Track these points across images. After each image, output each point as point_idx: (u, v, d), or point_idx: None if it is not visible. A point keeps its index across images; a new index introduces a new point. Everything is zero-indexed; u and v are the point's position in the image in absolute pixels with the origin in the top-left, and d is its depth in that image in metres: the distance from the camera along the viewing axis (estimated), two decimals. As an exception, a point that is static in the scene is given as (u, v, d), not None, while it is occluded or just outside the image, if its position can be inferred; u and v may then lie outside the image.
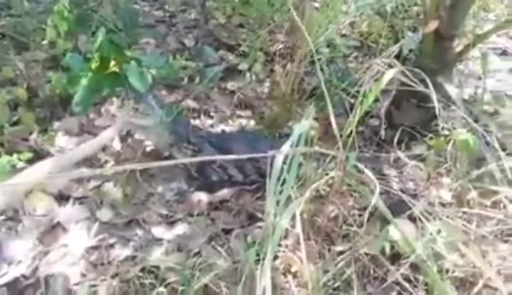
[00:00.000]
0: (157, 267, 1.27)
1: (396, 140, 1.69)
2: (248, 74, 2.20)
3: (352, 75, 2.08)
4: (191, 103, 2.04)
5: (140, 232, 1.45)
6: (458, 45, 1.94)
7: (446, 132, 1.71)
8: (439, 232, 1.17)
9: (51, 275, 1.29)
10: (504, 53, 2.65)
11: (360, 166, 1.18)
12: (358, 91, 1.26)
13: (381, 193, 1.29)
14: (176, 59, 2.20)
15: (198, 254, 1.35)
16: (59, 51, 1.94)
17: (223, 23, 2.61)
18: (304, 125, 1.20)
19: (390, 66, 1.28)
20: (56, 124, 1.85)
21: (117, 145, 1.81)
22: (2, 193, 0.97)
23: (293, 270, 1.24)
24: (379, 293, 1.24)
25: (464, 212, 1.32)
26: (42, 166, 1.26)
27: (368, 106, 1.76)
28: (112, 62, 1.68)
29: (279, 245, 1.26)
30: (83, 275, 1.30)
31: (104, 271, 1.29)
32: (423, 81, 1.42)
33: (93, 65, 1.67)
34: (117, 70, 1.68)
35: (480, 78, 2.15)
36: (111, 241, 1.41)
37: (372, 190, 1.17)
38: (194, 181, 1.65)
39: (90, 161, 1.73)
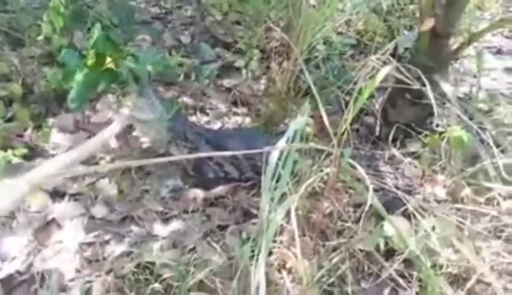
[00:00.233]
0: (152, 263, 1.27)
1: (391, 137, 1.70)
2: (244, 71, 2.19)
3: (349, 72, 2.09)
4: (186, 100, 2.04)
5: (135, 228, 1.45)
6: (453, 44, 1.95)
7: (441, 129, 1.72)
8: (433, 228, 1.18)
9: (46, 271, 1.29)
10: (499, 51, 2.66)
11: (354, 163, 1.18)
12: (353, 89, 1.27)
13: (376, 190, 1.31)
14: (172, 56, 2.19)
15: (193, 250, 1.35)
16: (54, 48, 1.93)
17: (219, 20, 2.60)
18: (299, 121, 1.20)
19: (385, 64, 1.29)
20: (51, 120, 1.85)
21: (112, 142, 1.81)
22: (12, 192, 0.96)
23: (288, 266, 1.24)
24: (373, 289, 1.24)
25: (458, 209, 1.33)
26: (51, 164, 1.23)
27: (364, 104, 1.77)
28: (108, 59, 1.67)
29: (274, 241, 1.27)
30: (78, 271, 1.29)
31: (99, 268, 1.29)
32: (418, 79, 1.43)
33: (89, 61, 1.66)
34: (113, 66, 1.68)
35: (475, 76, 2.16)
36: (106, 237, 1.41)
37: (366, 186, 1.17)
38: (190, 178, 1.65)
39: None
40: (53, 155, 1.72)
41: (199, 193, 1.57)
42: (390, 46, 1.48)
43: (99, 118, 1.92)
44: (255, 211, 1.49)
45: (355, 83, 1.27)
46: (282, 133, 1.81)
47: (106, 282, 1.23)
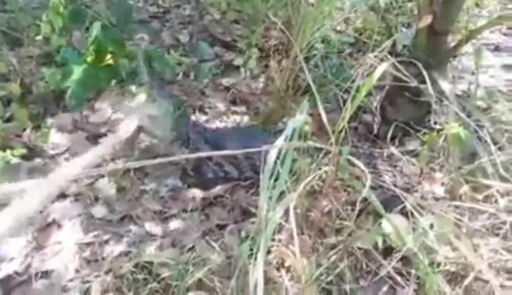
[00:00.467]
0: (151, 263, 1.28)
1: (389, 136, 1.70)
2: (243, 70, 2.19)
3: (347, 71, 2.09)
4: (185, 99, 2.03)
5: (133, 227, 1.45)
6: (451, 41, 1.95)
7: (439, 127, 1.72)
8: (431, 226, 1.18)
9: (44, 271, 1.29)
10: (497, 48, 2.66)
11: (352, 159, 1.18)
12: (351, 87, 1.27)
13: (374, 188, 1.31)
14: (170, 54, 2.20)
15: (192, 249, 1.35)
16: (53, 47, 1.93)
17: (217, 18, 2.60)
18: (298, 120, 1.20)
19: (383, 61, 1.29)
20: (49, 120, 1.85)
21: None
22: (39, 194, 0.95)
23: (286, 264, 1.25)
24: (371, 287, 1.25)
25: (456, 207, 1.33)
26: (74, 164, 1.21)
27: (362, 101, 1.77)
28: (108, 55, 1.68)
29: (273, 240, 1.27)
30: (76, 271, 1.30)
31: (98, 268, 1.30)
32: (416, 76, 1.43)
33: (88, 58, 1.67)
34: (112, 62, 1.68)
35: (473, 73, 2.16)
36: (105, 237, 1.41)
37: (365, 184, 1.18)
38: (189, 178, 1.64)
39: (84, 157, 1.73)
40: (52, 155, 1.72)
41: (197, 193, 1.58)
42: (388, 43, 1.48)
43: (98, 118, 1.92)
44: (253, 210, 1.49)
45: (353, 81, 1.27)
46: (281, 131, 1.81)
47: (104, 282, 1.23)
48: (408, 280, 1.23)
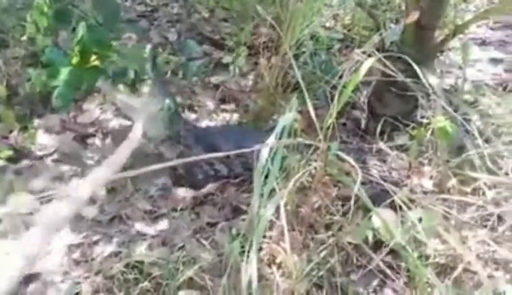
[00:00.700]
0: (141, 262, 1.27)
1: (378, 131, 1.71)
2: (232, 68, 2.19)
3: (336, 67, 2.09)
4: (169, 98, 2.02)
5: (123, 227, 1.44)
6: (439, 36, 1.96)
7: (427, 121, 1.73)
8: (419, 219, 1.19)
9: (34, 273, 1.28)
10: (484, 43, 2.68)
11: (341, 154, 1.19)
12: (339, 83, 1.27)
13: (363, 183, 1.31)
14: (158, 53, 2.18)
15: (182, 248, 1.34)
16: (39, 48, 1.90)
17: (206, 16, 2.60)
18: (288, 117, 1.21)
19: (370, 57, 1.29)
20: (36, 121, 1.83)
21: (98, 142, 1.80)
22: (70, 202, 0.94)
23: (277, 260, 1.25)
24: (362, 280, 1.25)
25: (444, 200, 1.34)
26: (99, 172, 1.16)
27: (350, 97, 1.78)
28: (93, 56, 1.66)
29: (264, 237, 1.27)
30: (66, 273, 1.29)
31: (88, 268, 1.29)
32: (404, 72, 1.44)
33: (74, 59, 1.65)
34: (98, 63, 1.66)
35: (460, 68, 2.17)
36: (95, 238, 1.40)
37: (354, 180, 1.18)
38: (179, 177, 1.63)
39: (71, 158, 1.72)
40: (39, 157, 1.71)
41: (188, 192, 1.57)
42: (374, 39, 1.49)
43: (86, 119, 1.90)
44: (244, 208, 1.49)
45: (340, 77, 1.28)
46: (271, 128, 1.82)
47: (95, 283, 1.23)
48: (398, 273, 1.24)
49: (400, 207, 1.16)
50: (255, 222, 1.05)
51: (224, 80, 2.15)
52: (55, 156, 1.72)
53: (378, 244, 1.25)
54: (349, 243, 1.27)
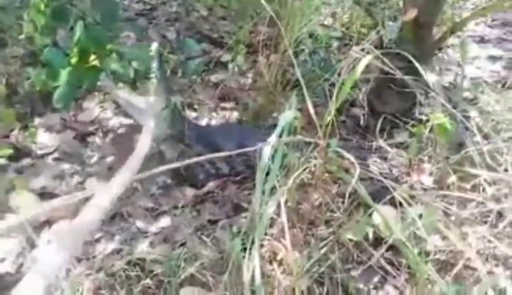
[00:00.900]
0: (143, 260, 1.27)
1: (378, 128, 1.71)
2: (231, 66, 2.19)
3: (334, 65, 2.10)
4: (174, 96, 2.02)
5: (125, 225, 1.45)
6: (437, 33, 1.97)
7: (427, 118, 1.74)
8: (420, 215, 1.19)
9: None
10: (482, 40, 2.70)
11: (341, 151, 1.19)
12: (338, 80, 1.27)
13: (363, 180, 1.32)
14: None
15: (184, 245, 1.35)
16: (37, 47, 1.90)
17: (204, 15, 2.60)
18: (288, 115, 1.21)
19: (368, 54, 1.30)
20: (37, 120, 1.83)
21: (99, 140, 1.80)
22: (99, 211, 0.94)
23: (278, 257, 1.25)
24: (363, 277, 1.26)
25: (444, 196, 1.35)
26: (119, 180, 1.13)
27: (350, 95, 1.78)
28: (92, 56, 1.66)
29: (265, 234, 1.27)
30: (68, 270, 1.29)
31: (90, 266, 1.29)
32: (402, 69, 1.44)
33: (73, 59, 1.65)
34: (97, 63, 1.66)
35: (459, 65, 2.18)
36: (97, 235, 1.40)
37: (354, 177, 1.19)
38: (180, 176, 1.63)
39: (72, 156, 1.72)
40: (40, 155, 1.71)
41: (188, 191, 1.57)
42: (372, 37, 1.49)
43: (86, 117, 1.91)
44: (245, 205, 1.50)
45: (339, 75, 1.28)
46: (271, 126, 1.83)
47: (96, 280, 1.23)
48: (399, 270, 1.25)
49: (401, 203, 1.17)
50: (257, 220, 1.05)
51: (223, 79, 2.15)
52: (56, 155, 1.72)
53: (378, 241, 1.25)
54: (350, 240, 1.27)
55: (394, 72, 1.35)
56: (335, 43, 2.43)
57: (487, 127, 1.63)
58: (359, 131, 1.87)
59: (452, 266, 1.21)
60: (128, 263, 1.26)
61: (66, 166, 1.67)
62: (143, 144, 1.23)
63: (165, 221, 1.46)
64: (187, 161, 1.23)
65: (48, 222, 1.45)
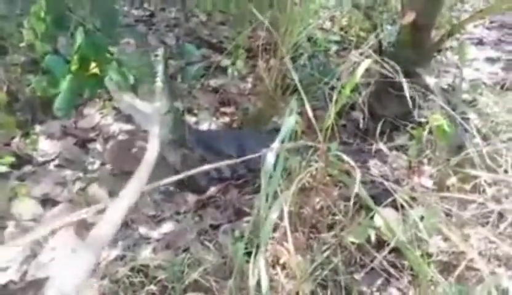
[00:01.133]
0: (147, 266, 1.28)
1: (378, 131, 1.72)
2: (230, 71, 2.20)
3: (333, 68, 2.11)
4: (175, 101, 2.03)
5: (128, 231, 1.45)
6: (435, 36, 1.98)
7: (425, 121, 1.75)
8: (421, 217, 1.20)
9: (40, 279, 1.29)
10: (480, 42, 2.72)
11: (341, 154, 1.20)
12: (336, 84, 1.28)
13: (364, 183, 1.32)
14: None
15: (187, 250, 1.35)
16: (38, 54, 1.91)
17: (203, 20, 2.61)
18: (290, 121, 1.22)
19: (368, 58, 1.31)
20: (38, 127, 1.84)
21: (99, 146, 1.81)
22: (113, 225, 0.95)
23: (281, 261, 1.26)
24: (366, 280, 1.26)
25: (445, 198, 1.35)
26: (129, 191, 1.12)
27: (349, 98, 1.79)
28: (93, 64, 1.67)
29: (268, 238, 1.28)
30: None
31: (94, 273, 1.29)
32: (401, 72, 1.45)
33: (73, 67, 1.65)
34: (98, 71, 1.67)
35: (458, 67, 2.20)
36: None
37: (355, 179, 1.19)
38: (182, 181, 1.63)
39: (73, 163, 1.72)
40: (41, 163, 1.71)
41: (190, 196, 1.58)
42: (371, 41, 1.50)
43: (86, 124, 1.91)
44: (246, 209, 1.50)
45: (338, 79, 1.29)
46: (271, 130, 1.85)
47: (101, 287, 1.23)
48: (402, 272, 1.25)
49: (402, 206, 1.18)
50: (262, 224, 1.06)
51: (223, 84, 2.16)
52: (57, 161, 1.73)
53: (380, 244, 1.26)
54: (352, 243, 1.27)
55: (393, 75, 1.36)
56: (334, 47, 2.44)
57: (486, 129, 1.64)
58: (359, 135, 1.88)
59: (454, 267, 1.22)
60: (132, 269, 1.27)
61: (67, 172, 1.68)
62: (151, 153, 1.23)
63: (167, 227, 1.46)
64: (196, 170, 1.23)
65: (51, 230, 1.44)
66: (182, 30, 2.53)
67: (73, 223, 1.47)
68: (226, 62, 2.24)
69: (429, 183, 1.54)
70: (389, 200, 1.19)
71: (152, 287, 1.22)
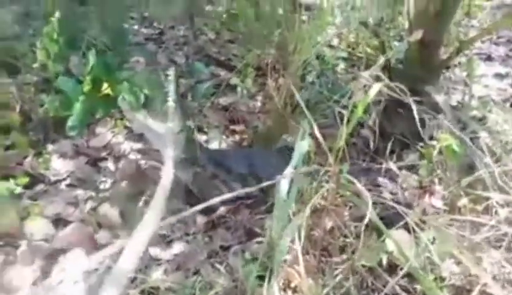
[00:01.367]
0: (157, 288, 1.28)
1: (388, 150, 1.72)
2: (239, 89, 2.22)
3: (342, 86, 2.12)
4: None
5: (138, 252, 1.45)
6: (444, 53, 1.99)
7: (436, 140, 1.74)
8: (433, 240, 1.19)
9: (51, 300, 1.29)
10: (488, 58, 2.71)
11: (351, 178, 1.20)
12: (348, 103, 1.29)
13: (375, 204, 1.32)
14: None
15: (197, 273, 1.35)
16: (50, 74, 1.95)
17: (212, 38, 2.64)
18: (303, 145, 1.23)
19: (378, 78, 1.31)
20: (50, 147, 1.86)
21: (111, 165, 1.82)
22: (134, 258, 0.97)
23: (292, 285, 1.25)
24: (378, 304, 1.25)
25: (456, 220, 1.34)
26: (148, 224, 1.15)
27: (360, 118, 1.79)
28: (105, 85, 1.70)
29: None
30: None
31: (105, 295, 1.29)
32: (410, 90, 1.46)
33: (86, 88, 1.68)
34: (110, 92, 1.70)
35: (466, 84, 2.19)
36: (110, 264, 1.41)
37: (366, 202, 1.19)
38: (194, 198, 1.64)
39: (85, 182, 1.74)
40: (54, 182, 1.73)
41: (200, 216, 1.58)
42: (380, 62, 1.50)
43: (98, 142, 1.93)
44: (257, 230, 1.50)
45: (349, 98, 1.30)
46: (281, 148, 1.85)
47: (112, 309, 1.23)
48: (414, 296, 1.24)
49: (414, 229, 1.17)
50: (275, 249, 1.06)
51: (232, 102, 2.18)
52: (69, 181, 1.74)
53: (392, 267, 1.25)
54: (364, 266, 1.27)
55: (402, 95, 1.36)
56: (342, 64, 2.45)
57: (497, 147, 1.63)
58: (369, 153, 1.87)
59: (468, 292, 1.21)
60: (143, 292, 1.27)
61: (79, 192, 1.69)
62: (166, 178, 1.24)
63: (177, 248, 1.46)
64: (221, 198, 1.23)
65: (62, 250, 1.46)
66: (191, 48, 2.56)
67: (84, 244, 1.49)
68: (235, 80, 2.26)
69: (440, 204, 1.53)
70: (401, 223, 1.18)
71: (163, 310, 1.22)
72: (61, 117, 1.79)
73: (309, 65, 2.12)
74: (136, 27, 2.79)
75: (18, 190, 1.52)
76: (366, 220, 1.16)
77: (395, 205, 1.22)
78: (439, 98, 1.79)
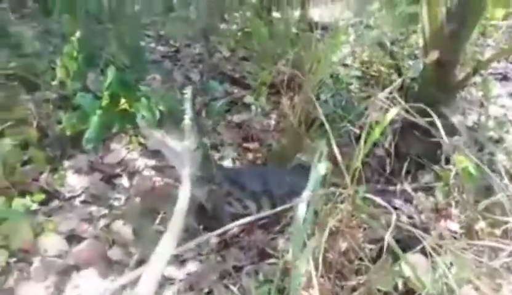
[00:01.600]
0: (171, 308, 1.27)
1: (403, 171, 1.70)
2: (253, 107, 2.23)
3: (356, 105, 2.11)
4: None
5: (151, 271, 1.45)
6: (460, 73, 1.97)
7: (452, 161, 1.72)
8: (450, 266, 1.17)
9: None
10: (505, 78, 2.69)
11: (372, 197, 1.19)
12: (364, 123, 1.28)
13: (390, 225, 1.30)
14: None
15: (210, 293, 1.34)
16: (69, 91, 1.98)
17: (227, 56, 2.67)
18: (320, 167, 1.22)
19: (394, 99, 1.31)
20: (66, 163, 1.88)
21: (125, 182, 1.84)
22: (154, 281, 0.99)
23: (306, 308, 1.23)
24: (394, 330, 1.22)
25: (474, 244, 1.32)
26: (165, 247, 1.16)
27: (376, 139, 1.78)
28: (122, 100, 1.72)
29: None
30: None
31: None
32: (426, 111, 1.45)
33: (104, 102, 1.71)
34: (127, 107, 1.72)
35: (482, 104, 2.17)
36: (123, 281, 1.40)
37: (382, 224, 1.17)
38: (204, 216, 1.64)
39: (99, 199, 1.75)
40: (68, 198, 1.74)
41: (213, 236, 1.57)
42: (396, 83, 1.50)
43: (113, 159, 1.95)
44: (270, 251, 1.49)
45: (365, 117, 1.29)
46: (296, 167, 1.85)
47: (125, 329, 1.23)
48: (431, 323, 1.21)
49: (430, 253, 1.15)
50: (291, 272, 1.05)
51: (246, 119, 2.19)
52: (83, 197, 1.76)
53: (409, 293, 1.23)
54: (379, 291, 1.24)
55: (418, 115, 1.35)
56: (356, 83, 2.45)
57: (514, 169, 1.61)
58: (384, 174, 1.85)
59: (487, 320, 1.17)
60: (156, 311, 1.26)
61: (93, 208, 1.70)
62: (183, 198, 1.25)
63: (190, 267, 1.46)
64: (238, 223, 1.24)
65: (76, 267, 1.46)
66: (206, 66, 2.59)
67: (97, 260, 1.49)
68: (249, 98, 2.27)
69: (456, 227, 1.50)
70: (418, 248, 1.16)
71: (176, 331, 1.21)
72: (78, 133, 1.81)
73: (323, 84, 2.12)
74: (152, 45, 2.84)
75: (34, 206, 1.53)
76: (381, 239, 1.14)
77: (411, 229, 1.20)
78: (455, 119, 1.77)
